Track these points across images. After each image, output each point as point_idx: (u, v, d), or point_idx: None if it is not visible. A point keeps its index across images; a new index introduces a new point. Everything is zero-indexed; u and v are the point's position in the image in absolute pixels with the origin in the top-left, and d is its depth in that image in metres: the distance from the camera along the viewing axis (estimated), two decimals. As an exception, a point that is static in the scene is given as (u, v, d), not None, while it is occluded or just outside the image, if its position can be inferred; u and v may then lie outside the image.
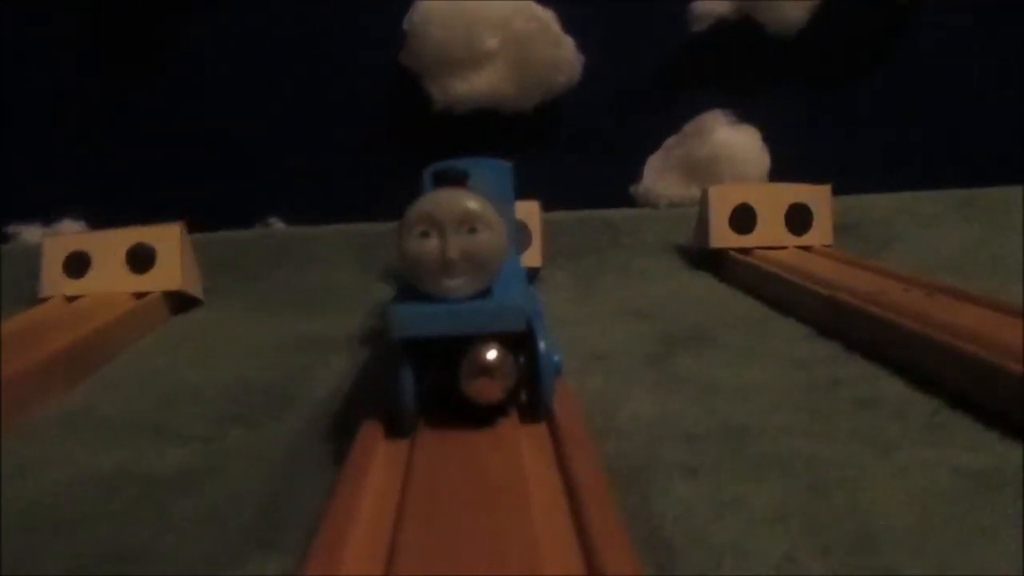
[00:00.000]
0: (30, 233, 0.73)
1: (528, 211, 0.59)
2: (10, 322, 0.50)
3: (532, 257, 0.59)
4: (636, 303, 0.55)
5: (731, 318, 0.50)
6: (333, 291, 0.64)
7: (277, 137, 0.76)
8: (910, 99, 0.78)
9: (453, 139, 0.73)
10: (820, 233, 0.63)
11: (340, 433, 0.34)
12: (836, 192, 0.64)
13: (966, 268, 0.60)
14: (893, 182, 0.75)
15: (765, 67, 0.77)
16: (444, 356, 0.28)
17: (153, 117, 0.75)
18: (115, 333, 0.50)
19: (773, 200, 0.63)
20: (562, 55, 0.71)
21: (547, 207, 0.62)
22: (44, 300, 0.56)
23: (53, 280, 0.57)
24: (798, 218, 0.63)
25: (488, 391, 0.27)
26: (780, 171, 0.74)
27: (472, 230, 0.27)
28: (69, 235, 0.64)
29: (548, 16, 0.70)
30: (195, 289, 0.60)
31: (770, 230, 0.62)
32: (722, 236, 0.62)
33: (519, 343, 0.28)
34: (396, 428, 0.29)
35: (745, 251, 0.61)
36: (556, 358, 0.29)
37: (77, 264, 0.57)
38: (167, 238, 0.58)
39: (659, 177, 0.75)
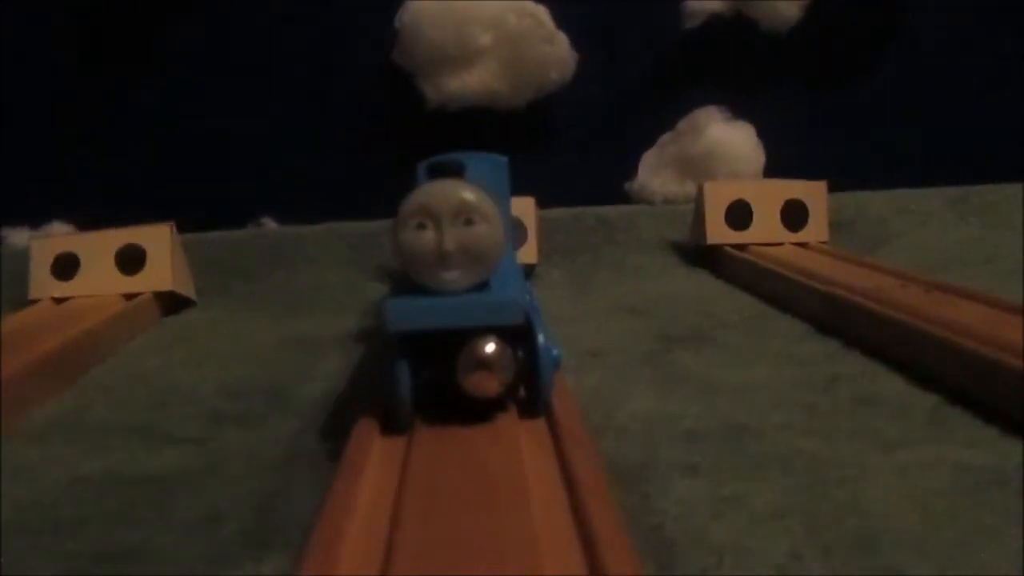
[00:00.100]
0: (18, 236, 0.73)
1: (524, 208, 0.59)
2: (-2, 325, 0.49)
3: (528, 254, 0.59)
4: (632, 300, 0.55)
5: (728, 315, 0.50)
6: (327, 290, 0.63)
7: (268, 136, 0.75)
8: (904, 95, 0.78)
9: (447, 137, 0.72)
10: (816, 230, 0.62)
11: (336, 431, 0.33)
12: (831, 189, 0.63)
13: (962, 265, 0.60)
14: (887, 179, 0.75)
15: (759, 64, 0.76)
16: (441, 350, 0.27)
17: (141, 116, 0.74)
18: (106, 335, 0.49)
19: (769, 196, 0.63)
20: (556, 52, 0.71)
21: (541, 204, 0.62)
22: (33, 303, 0.56)
23: (42, 282, 0.56)
24: (794, 215, 0.62)
25: (486, 385, 0.27)
26: (774, 168, 0.74)
27: (469, 222, 0.27)
28: (57, 237, 0.64)
29: (541, 12, 0.70)
30: (186, 289, 0.60)
31: (766, 226, 0.62)
32: (718, 232, 0.62)
33: (517, 337, 0.28)
34: (392, 424, 0.29)
35: (741, 247, 0.61)
36: (555, 352, 0.28)
37: (66, 266, 0.57)
38: (157, 239, 0.57)
39: (654, 174, 0.74)
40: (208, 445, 0.34)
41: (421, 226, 0.27)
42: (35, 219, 0.73)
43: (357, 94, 0.75)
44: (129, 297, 0.56)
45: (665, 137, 0.75)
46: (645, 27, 0.75)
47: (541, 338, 0.28)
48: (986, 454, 0.28)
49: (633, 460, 0.29)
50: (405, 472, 0.25)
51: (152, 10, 0.73)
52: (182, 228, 0.60)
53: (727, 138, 0.72)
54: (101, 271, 0.57)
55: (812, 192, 0.63)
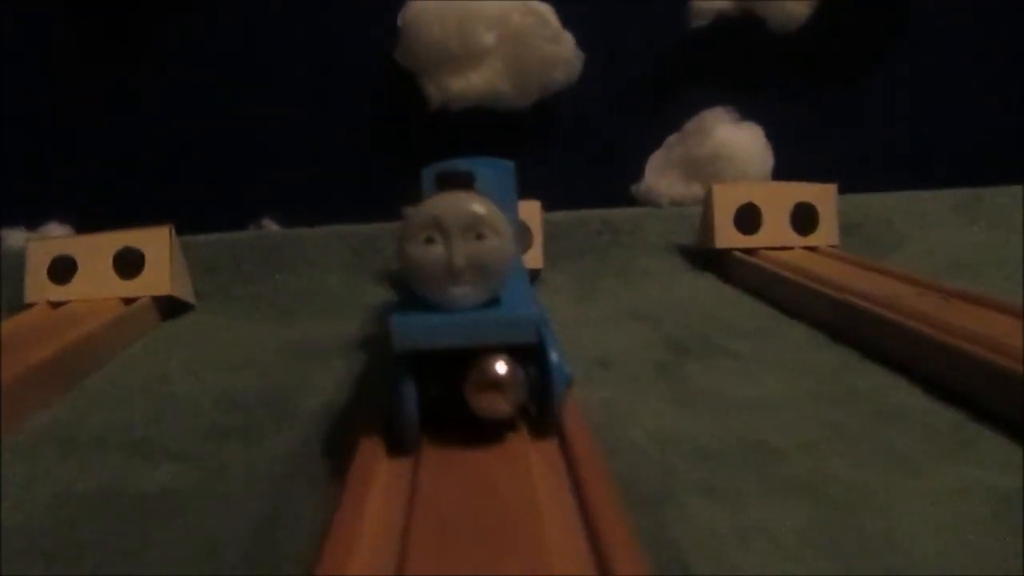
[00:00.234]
0: (14, 237, 0.71)
1: (529, 211, 0.58)
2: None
3: (533, 259, 0.58)
4: (639, 306, 0.54)
5: (739, 322, 0.49)
6: (328, 294, 0.62)
7: (269, 136, 0.74)
8: (914, 96, 0.76)
9: (449, 138, 0.72)
10: (826, 233, 0.61)
11: (338, 448, 0.32)
12: (839, 191, 0.62)
13: (974, 270, 0.59)
14: (895, 181, 0.74)
15: (767, 64, 0.75)
16: (447, 366, 0.26)
17: (141, 116, 0.73)
18: (102, 340, 0.48)
19: (778, 199, 0.61)
20: (561, 51, 0.70)
21: (545, 207, 0.60)
22: (28, 306, 0.55)
23: (38, 286, 0.55)
24: (804, 218, 0.61)
25: (497, 406, 0.26)
26: (782, 170, 0.72)
27: (479, 236, 0.25)
28: (54, 239, 0.63)
29: (546, 11, 0.69)
30: (185, 293, 0.59)
31: (775, 230, 0.61)
32: (726, 236, 0.61)
33: (528, 354, 0.27)
34: (398, 444, 0.27)
35: (750, 251, 0.60)
36: (567, 370, 0.27)
37: (62, 269, 0.55)
38: (155, 241, 0.56)
39: (660, 176, 0.73)
40: (205, 462, 0.32)
41: (429, 240, 0.26)
42: (32, 220, 0.72)
43: (359, 94, 0.74)
44: (127, 301, 0.55)
45: (672, 138, 0.74)
46: (651, 26, 0.74)
47: (554, 356, 0.26)
48: (1018, 477, 0.27)
49: (648, 482, 0.28)
50: (413, 498, 0.24)
51: (152, 9, 0.72)
52: (181, 230, 0.59)
53: (735, 139, 0.71)
54: (98, 274, 0.56)
55: (822, 195, 0.62)
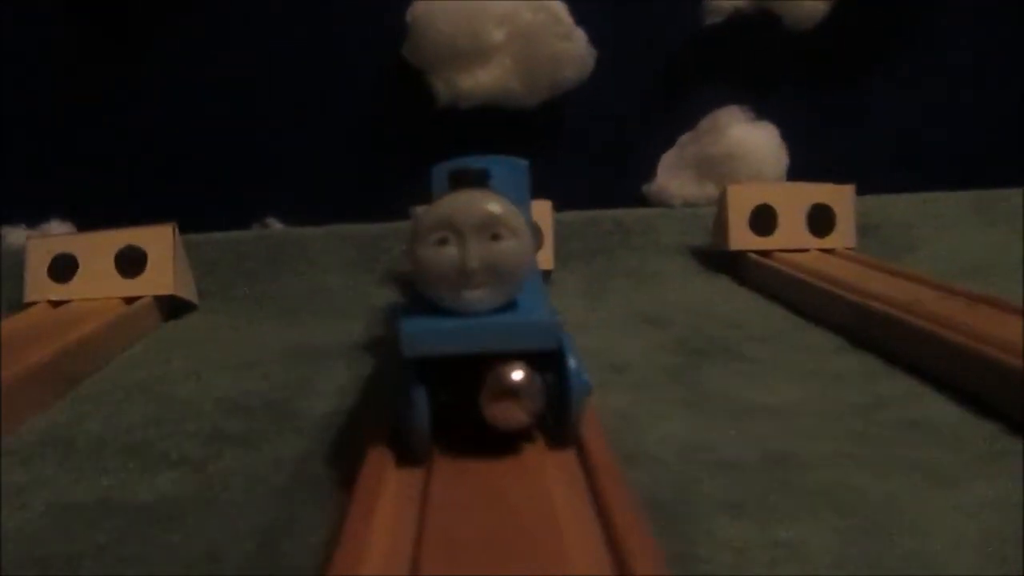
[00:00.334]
0: (15, 235, 0.70)
1: (540, 212, 0.56)
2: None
3: (544, 260, 0.57)
4: (652, 309, 0.53)
5: (755, 326, 0.47)
6: (332, 294, 0.61)
7: (274, 134, 0.73)
8: (932, 95, 0.75)
9: (458, 136, 0.71)
10: (843, 235, 0.60)
11: (344, 454, 0.31)
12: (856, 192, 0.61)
13: (992, 272, 0.58)
14: (912, 182, 0.72)
15: (782, 62, 0.74)
16: (460, 371, 0.25)
17: (143, 114, 0.72)
18: (103, 341, 0.47)
19: (794, 200, 0.60)
20: (572, 49, 0.68)
21: (556, 207, 0.59)
22: (28, 305, 0.54)
23: (38, 284, 0.54)
24: (820, 219, 0.60)
25: (513, 416, 0.25)
26: (796, 170, 0.71)
27: (495, 237, 0.24)
28: (55, 237, 0.62)
29: (558, 8, 0.67)
30: (188, 293, 0.58)
31: (791, 232, 0.60)
32: (741, 238, 0.59)
33: (544, 361, 0.25)
34: (408, 453, 0.26)
35: (765, 253, 0.59)
36: (585, 378, 0.26)
37: (63, 267, 0.54)
38: (158, 240, 0.55)
39: (673, 175, 0.72)
40: (207, 468, 0.31)
41: (442, 241, 0.24)
42: (33, 217, 0.71)
43: (365, 91, 0.73)
44: (129, 301, 0.54)
45: (685, 137, 0.73)
46: (665, 23, 0.73)
47: (573, 363, 0.25)
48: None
49: (669, 495, 0.27)
50: (424, 510, 0.23)
51: (153, 7, 0.71)
52: (184, 228, 0.58)
53: (749, 139, 0.70)
54: (100, 273, 0.55)
55: (839, 196, 0.61)
